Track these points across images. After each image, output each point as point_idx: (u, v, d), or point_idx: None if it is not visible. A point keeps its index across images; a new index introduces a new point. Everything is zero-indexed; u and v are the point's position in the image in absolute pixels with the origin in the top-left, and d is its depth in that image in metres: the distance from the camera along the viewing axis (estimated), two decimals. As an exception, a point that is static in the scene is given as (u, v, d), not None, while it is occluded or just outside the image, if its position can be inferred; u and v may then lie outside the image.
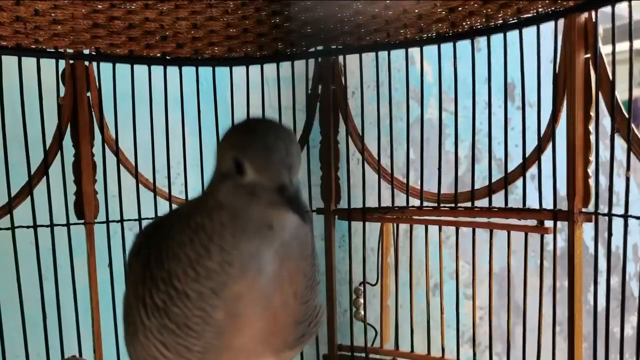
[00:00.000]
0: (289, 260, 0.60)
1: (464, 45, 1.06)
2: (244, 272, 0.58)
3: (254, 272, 0.58)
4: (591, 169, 0.95)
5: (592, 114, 0.95)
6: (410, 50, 1.12)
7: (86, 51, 1.07)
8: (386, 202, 1.16)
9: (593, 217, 0.96)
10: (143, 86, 1.10)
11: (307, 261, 0.63)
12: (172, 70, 1.12)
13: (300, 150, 0.57)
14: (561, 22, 0.95)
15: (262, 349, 0.63)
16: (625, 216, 0.90)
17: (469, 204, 1.09)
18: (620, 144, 0.92)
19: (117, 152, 1.10)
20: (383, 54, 1.13)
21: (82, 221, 1.08)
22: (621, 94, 0.91)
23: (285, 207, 0.54)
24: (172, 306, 0.60)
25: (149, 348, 0.64)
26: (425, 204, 1.13)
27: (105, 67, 1.09)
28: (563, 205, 0.98)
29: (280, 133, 0.55)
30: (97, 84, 1.09)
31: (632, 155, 0.88)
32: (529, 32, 0.99)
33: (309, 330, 0.67)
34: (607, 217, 0.92)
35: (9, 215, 1.02)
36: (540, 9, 0.97)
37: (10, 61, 1.01)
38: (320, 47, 1.16)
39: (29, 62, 1.03)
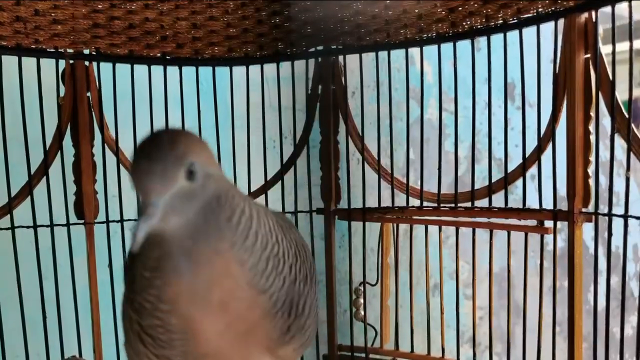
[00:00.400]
0: (206, 255, 0.60)
1: (464, 45, 1.06)
2: (166, 275, 0.60)
3: (175, 275, 0.60)
4: (591, 169, 0.95)
5: (592, 114, 0.95)
6: (410, 50, 1.12)
7: (86, 51, 1.07)
8: (386, 202, 1.16)
9: (593, 217, 0.96)
10: (143, 86, 1.10)
11: (242, 250, 0.61)
12: (172, 70, 1.12)
13: (174, 164, 0.57)
14: (561, 22, 0.95)
15: (245, 349, 0.63)
16: (625, 216, 0.89)
17: (468, 204, 1.09)
18: (620, 144, 0.92)
19: (117, 152, 1.10)
20: (383, 54, 1.13)
21: (82, 221, 1.08)
22: (621, 94, 0.91)
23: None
24: (142, 319, 0.63)
25: (139, 354, 0.66)
26: (425, 204, 1.13)
27: (105, 67, 1.09)
28: (563, 206, 0.98)
29: (149, 150, 0.58)
30: (97, 84, 1.09)
31: (632, 155, 0.88)
32: (529, 32, 0.99)
33: (294, 323, 0.65)
34: (607, 217, 0.92)
35: (9, 215, 1.02)
36: (540, 9, 0.97)
37: (10, 61, 1.01)
38: (320, 47, 1.16)
39: (29, 62, 1.03)
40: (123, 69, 1.09)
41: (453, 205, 1.10)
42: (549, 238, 1.01)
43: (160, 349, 0.63)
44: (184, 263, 0.59)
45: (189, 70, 1.13)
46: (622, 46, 0.90)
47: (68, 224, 1.07)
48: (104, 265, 1.09)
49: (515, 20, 1.00)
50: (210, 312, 0.60)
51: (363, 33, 1.12)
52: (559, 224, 1.00)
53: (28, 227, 1.03)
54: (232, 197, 0.61)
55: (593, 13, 0.92)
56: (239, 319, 0.62)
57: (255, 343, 0.64)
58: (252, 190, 1.16)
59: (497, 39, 1.03)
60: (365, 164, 1.16)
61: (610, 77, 0.91)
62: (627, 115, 0.89)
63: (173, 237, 0.58)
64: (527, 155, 1.03)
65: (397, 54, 1.13)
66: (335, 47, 1.15)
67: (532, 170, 1.02)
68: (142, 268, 0.62)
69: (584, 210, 0.97)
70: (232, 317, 0.61)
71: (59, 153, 1.06)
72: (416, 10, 1.07)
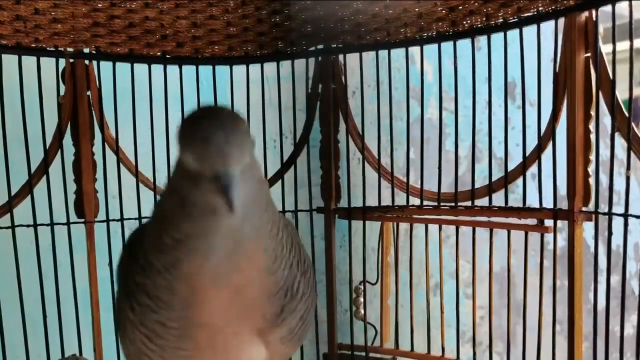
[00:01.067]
0: (244, 240, 0.61)
1: (464, 44, 1.06)
2: (193, 251, 0.60)
3: (203, 253, 0.60)
4: (591, 168, 0.95)
5: (593, 113, 0.95)
6: (410, 49, 1.12)
7: (86, 50, 1.07)
8: (386, 201, 1.16)
9: (593, 216, 0.96)
10: (143, 85, 1.10)
11: (268, 236, 0.63)
12: (172, 69, 1.12)
13: (246, 137, 0.57)
14: (561, 21, 0.95)
15: (238, 325, 0.64)
16: (626, 215, 0.89)
17: (469, 203, 1.09)
18: (620, 143, 0.92)
19: (117, 151, 1.10)
20: (383, 53, 1.13)
21: (82, 220, 1.08)
22: (621, 93, 0.91)
23: (217, 195, 0.55)
24: (145, 279, 0.64)
25: (136, 341, 0.66)
26: (425, 203, 1.13)
27: (106, 66, 1.09)
28: (563, 205, 0.98)
29: (222, 121, 0.57)
30: (97, 83, 1.09)
31: (632, 154, 0.88)
32: (529, 31, 0.99)
33: (287, 305, 0.66)
34: (607, 216, 0.92)
35: (9, 214, 1.02)
36: (540, 8, 0.97)
37: (10, 60, 1.01)
38: (320, 46, 1.16)
39: (29, 61, 1.03)
40: (123, 67, 1.09)
41: (453, 204, 1.10)
42: (549, 237, 1.01)
43: (159, 313, 0.63)
44: (223, 243, 0.60)
45: (189, 69, 1.13)
46: (623, 45, 0.90)
47: (68, 223, 1.07)
48: (104, 264, 1.09)
49: (516, 19, 1.00)
50: (223, 288, 0.61)
51: (363, 32, 1.12)
52: (559, 223, 1.00)
53: (28, 226, 1.03)
54: (263, 182, 0.63)
55: (593, 12, 0.92)
56: (243, 295, 0.63)
57: (251, 321, 0.65)
58: (252, 189, 1.16)
59: (497, 38, 1.03)
60: (366, 163, 1.16)
61: (611, 76, 0.91)
62: (627, 114, 0.89)
63: (227, 215, 0.57)
64: (527, 155, 1.03)
65: (398, 53, 1.13)
66: (335, 46, 1.15)
67: (533, 169, 1.02)
68: (163, 233, 0.61)
69: (584, 209, 0.97)
70: (237, 293, 0.62)
71: (59, 152, 1.06)
72: (416, 9, 1.07)
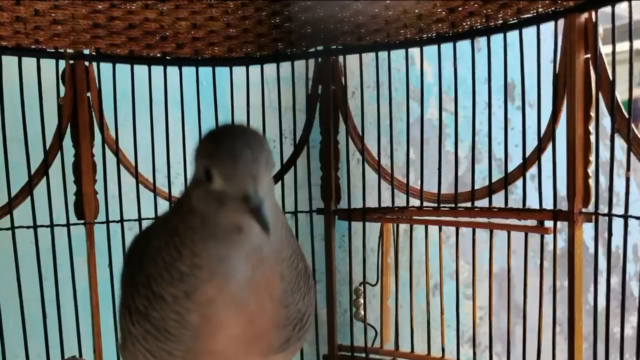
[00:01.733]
0: (263, 265, 0.59)
1: (464, 45, 1.06)
2: (213, 276, 0.58)
3: (225, 277, 0.58)
4: (591, 169, 0.95)
5: (592, 114, 0.95)
6: (410, 50, 1.12)
7: (86, 51, 1.07)
8: (386, 202, 1.16)
9: (593, 217, 0.96)
10: (143, 86, 1.10)
11: (285, 264, 0.62)
12: (172, 70, 1.12)
13: (270, 156, 0.56)
14: (561, 22, 0.95)
15: (244, 354, 0.63)
16: (625, 216, 0.90)
17: (469, 204, 1.09)
18: (620, 144, 0.92)
19: (117, 152, 1.10)
20: (383, 54, 1.13)
21: (82, 221, 1.08)
22: (621, 94, 0.91)
23: (248, 216, 0.54)
24: (151, 310, 0.61)
25: (136, 355, 0.65)
26: (425, 204, 1.13)
27: (105, 67, 1.09)
28: (563, 206, 0.98)
29: (248, 140, 0.55)
30: (97, 84, 1.09)
31: (632, 155, 0.88)
32: (529, 32, 0.99)
33: (294, 335, 0.66)
34: (607, 217, 0.92)
35: (9, 216, 1.02)
36: (540, 9, 0.97)
37: (10, 61, 1.01)
38: (320, 47, 1.16)
39: (29, 62, 1.03)
40: (123, 69, 1.09)
41: (453, 205, 1.10)
42: (549, 238, 1.01)
43: (165, 343, 0.62)
44: (241, 267, 0.58)
45: (189, 71, 1.13)
46: (622, 46, 0.90)
47: (68, 224, 1.07)
48: (104, 266, 1.09)
49: (515, 21, 1.00)
50: (237, 320, 0.60)
51: (363, 33, 1.12)
52: (559, 224, 1.00)
53: (28, 227, 1.03)
54: (278, 207, 0.61)
55: (593, 13, 0.92)
56: (256, 327, 0.62)
57: (258, 349, 0.64)
58: (252, 190, 1.16)
59: (497, 39, 1.03)
60: (365, 164, 1.16)
61: (610, 77, 0.91)
62: (627, 115, 0.89)
63: (246, 238, 0.57)
64: (527, 155, 1.03)
65: (397, 54, 1.13)
66: (335, 47, 1.15)
67: (532, 170, 1.02)
68: (175, 261, 0.60)
69: (584, 210, 0.97)
70: (251, 325, 0.61)
71: (59, 153, 1.06)
72: (416, 11, 1.07)
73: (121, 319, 0.67)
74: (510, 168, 1.05)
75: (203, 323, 0.60)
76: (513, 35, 1.01)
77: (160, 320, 0.61)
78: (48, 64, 1.05)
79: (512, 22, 1.00)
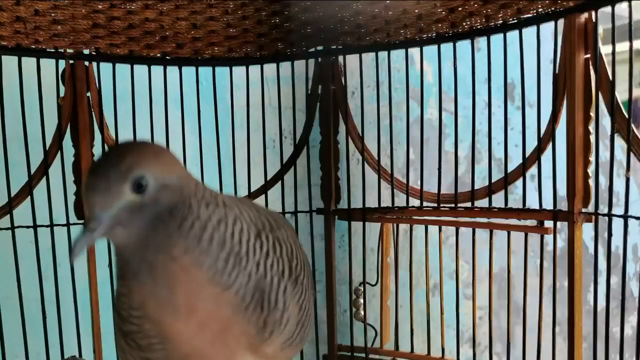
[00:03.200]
0: (167, 263, 0.61)
1: (463, 45, 1.06)
2: (134, 281, 0.62)
3: (136, 282, 0.62)
4: (591, 169, 0.95)
5: (592, 114, 0.95)
6: (410, 50, 1.12)
7: (86, 51, 1.07)
8: (386, 202, 1.16)
9: (593, 217, 0.96)
10: (143, 86, 1.10)
11: (198, 250, 0.62)
12: (172, 70, 1.12)
13: (118, 181, 0.59)
14: (561, 22, 0.95)
15: (225, 348, 0.64)
16: (625, 216, 0.90)
17: (468, 204, 1.09)
18: (620, 144, 0.92)
19: (117, 152, 1.10)
20: (383, 54, 1.13)
21: (82, 221, 1.08)
22: (621, 94, 0.91)
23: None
24: (123, 325, 0.66)
25: (126, 354, 0.68)
26: (425, 204, 1.13)
27: (105, 67, 1.09)
28: (563, 206, 0.98)
29: (97, 165, 0.60)
30: (97, 84, 1.09)
31: (632, 155, 0.88)
32: (529, 32, 0.99)
33: (270, 316, 0.65)
34: (607, 217, 0.92)
35: (9, 215, 1.02)
36: (540, 9, 0.97)
37: (10, 61, 1.01)
38: (320, 47, 1.16)
39: (29, 62, 1.03)
40: (123, 69, 1.09)
41: (453, 205, 1.10)
42: (548, 238, 1.01)
43: (142, 352, 0.65)
44: (142, 271, 0.61)
45: (188, 70, 1.13)
46: (622, 46, 0.90)
47: (68, 224, 1.07)
48: (103, 265, 1.09)
49: (515, 21, 1.00)
50: (179, 315, 0.62)
51: (363, 33, 1.12)
52: (558, 224, 1.00)
53: (28, 227, 1.03)
54: (188, 206, 0.62)
55: (593, 13, 0.92)
56: (209, 317, 0.63)
57: (234, 340, 0.64)
58: (252, 190, 1.16)
59: (497, 39, 1.03)
60: (365, 164, 1.16)
61: (610, 77, 0.91)
62: (627, 116, 0.89)
63: (125, 248, 0.61)
64: (527, 155, 1.03)
65: (397, 54, 1.13)
66: (335, 47, 1.15)
67: (532, 170, 1.02)
68: (117, 278, 0.65)
69: (583, 210, 0.97)
70: (203, 316, 0.62)
71: (59, 153, 1.06)
72: (416, 11, 1.07)
73: (113, 321, 0.70)
74: (510, 168, 1.05)
75: (157, 328, 0.62)
76: (513, 35, 1.01)
77: (129, 333, 0.65)
78: (48, 64, 1.05)
79: (512, 22, 1.00)
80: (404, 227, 1.21)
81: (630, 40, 0.88)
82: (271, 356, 0.68)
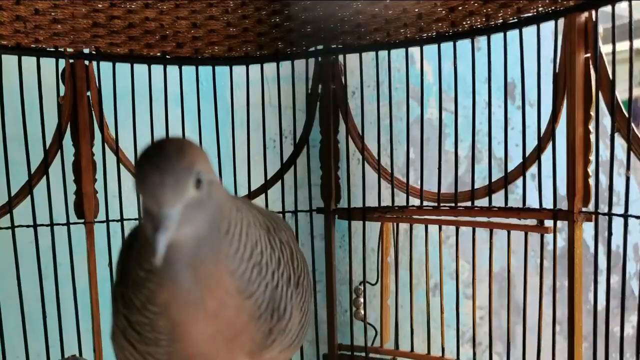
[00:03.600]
0: (206, 265, 0.61)
1: (464, 44, 1.06)
2: (164, 281, 0.61)
3: (172, 281, 0.60)
4: (591, 169, 0.95)
5: (592, 113, 0.95)
6: (410, 49, 1.12)
7: (86, 50, 1.08)
8: (386, 201, 1.16)
9: (593, 216, 0.96)
10: (143, 85, 1.10)
11: (231, 259, 0.63)
12: (172, 70, 1.12)
13: (185, 175, 0.57)
14: (561, 21, 0.95)
15: (227, 351, 0.64)
16: (626, 215, 0.90)
17: (469, 204, 1.09)
18: (620, 143, 0.92)
19: (117, 151, 1.10)
20: (383, 54, 1.13)
21: (82, 220, 1.08)
22: (621, 94, 0.91)
23: (151, 233, 0.56)
24: (130, 315, 0.64)
25: (124, 351, 0.67)
26: (425, 203, 1.13)
27: (105, 67, 1.09)
28: (563, 205, 0.98)
29: (158, 162, 0.57)
30: (97, 83, 1.09)
31: (632, 154, 0.88)
32: (529, 31, 0.99)
33: (275, 326, 0.66)
34: (607, 217, 0.92)
35: (9, 215, 1.02)
36: (540, 9, 0.97)
37: (10, 60, 1.01)
38: (320, 47, 1.16)
39: (29, 61, 1.03)
40: (123, 68, 1.09)
41: (453, 204, 1.10)
42: (549, 237, 1.01)
43: (145, 346, 0.64)
44: (183, 270, 0.60)
45: (188, 70, 1.13)
46: (622, 45, 0.90)
47: (68, 223, 1.07)
48: (104, 265, 1.09)
49: (515, 20, 1.00)
50: (201, 319, 0.61)
51: (363, 32, 1.12)
52: (559, 223, 1.00)
53: (28, 226, 1.03)
54: (229, 209, 0.63)
55: (593, 12, 0.92)
56: (227, 324, 0.63)
57: (240, 346, 0.65)
58: (252, 189, 1.16)
59: (497, 38, 1.03)
60: (365, 163, 1.16)
61: (610, 77, 0.91)
62: (627, 115, 0.89)
63: (180, 245, 0.59)
64: (527, 155, 1.03)
65: (397, 54, 1.13)
66: (335, 46, 1.15)
67: (532, 170, 1.02)
68: (138, 266, 0.63)
69: (584, 209, 0.97)
70: (221, 323, 0.62)
71: (59, 152, 1.06)
72: (416, 10, 1.07)
73: (112, 311, 0.69)
74: (510, 167, 1.05)
75: (170, 326, 0.62)
76: (513, 34, 1.01)
77: (137, 324, 0.64)
78: (48, 63, 1.05)
79: (512, 21, 1.00)
80: (404, 226, 1.21)
81: (631, 40, 0.88)
82: (274, 357, 0.68)
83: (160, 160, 0.57)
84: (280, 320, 0.67)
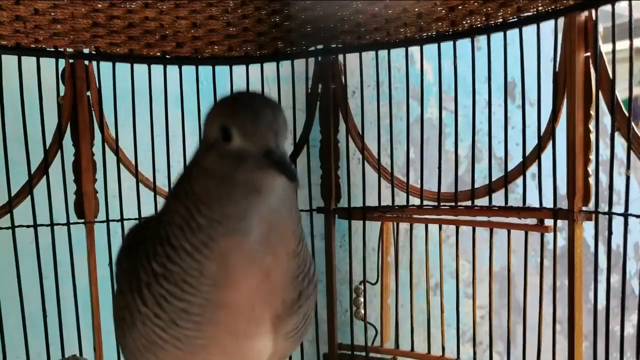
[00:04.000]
0: (279, 222, 0.61)
1: (464, 44, 1.06)
2: (229, 231, 0.60)
3: (241, 234, 0.60)
4: (591, 168, 0.95)
5: (592, 112, 0.95)
6: (410, 49, 1.12)
7: (86, 50, 1.07)
8: (386, 201, 1.16)
9: (593, 215, 0.96)
10: (143, 85, 1.10)
11: (294, 221, 0.64)
12: (172, 69, 1.12)
13: (286, 122, 0.59)
14: (561, 20, 0.95)
15: (260, 310, 0.64)
16: (626, 215, 0.89)
17: (469, 203, 1.09)
18: (620, 142, 0.92)
19: (117, 151, 1.10)
20: (383, 53, 1.13)
21: (82, 220, 1.09)
22: (621, 93, 0.91)
23: (273, 170, 0.56)
24: (170, 264, 0.62)
25: (147, 333, 0.65)
26: (425, 203, 1.13)
27: (105, 66, 1.09)
28: (563, 204, 0.98)
29: (266, 100, 0.58)
30: (97, 83, 1.09)
31: (632, 153, 0.88)
32: (529, 30, 0.99)
33: (305, 289, 0.67)
34: (607, 216, 0.92)
35: (9, 215, 1.02)
36: (540, 8, 0.97)
37: (10, 60, 1.01)
38: (320, 46, 1.16)
39: (29, 62, 1.03)
40: (123, 68, 1.09)
41: (453, 204, 1.10)
42: (549, 237, 1.01)
43: (181, 298, 0.62)
44: (261, 219, 0.60)
45: (188, 69, 1.13)
46: (622, 45, 0.90)
47: (68, 223, 1.07)
48: (104, 264, 1.09)
49: (515, 19, 1.00)
50: (255, 270, 0.61)
51: (363, 32, 1.12)
52: (559, 222, 1.00)
53: (28, 226, 1.03)
54: None
55: (593, 11, 0.92)
56: (272, 279, 0.63)
57: (272, 306, 0.65)
58: (252, 189, 1.16)
59: (497, 37, 1.03)
60: (366, 163, 1.16)
61: (611, 76, 0.91)
62: (627, 114, 0.89)
63: (267, 196, 0.58)
64: (527, 154, 1.03)
65: (397, 53, 1.13)
66: (335, 46, 1.15)
67: (533, 169, 1.02)
68: (197, 213, 0.61)
69: (584, 208, 0.97)
70: (268, 278, 0.62)
71: (59, 152, 1.06)
72: (416, 9, 1.07)
73: (125, 307, 0.67)
74: (511, 167, 1.05)
75: (221, 272, 0.61)
76: (513, 33, 1.01)
77: (180, 272, 0.62)
78: (48, 63, 1.05)
79: (512, 20, 1.00)
80: (404, 226, 1.21)
81: (631, 39, 0.88)
82: (277, 344, 0.68)
83: (267, 100, 0.58)
84: (309, 284, 0.67)
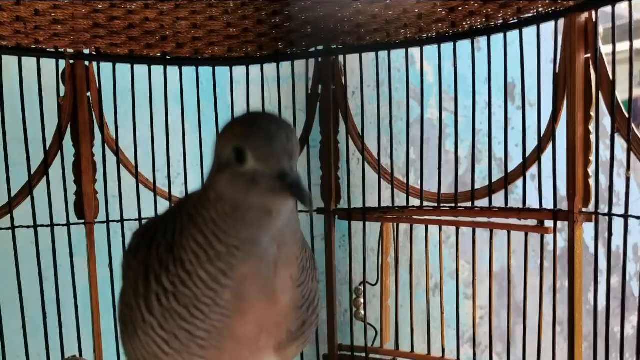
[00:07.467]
0: (285, 245, 0.61)
1: (464, 45, 1.06)
2: (248, 256, 0.60)
3: (258, 257, 0.60)
4: (591, 169, 0.95)
5: (592, 113, 0.95)
6: (410, 50, 1.12)
7: (86, 51, 1.08)
8: (386, 202, 1.16)
9: (593, 216, 0.96)
10: (143, 86, 1.10)
11: (298, 245, 0.65)
12: (172, 70, 1.12)
13: (298, 144, 0.59)
14: (561, 22, 0.95)
15: (265, 340, 0.64)
16: (626, 216, 0.90)
17: (469, 204, 1.09)
18: (620, 143, 0.92)
19: (117, 151, 1.10)
20: (383, 54, 1.13)
21: (83, 221, 1.08)
22: (621, 94, 0.91)
23: (287, 193, 0.56)
24: (182, 287, 0.62)
25: (149, 345, 0.64)
26: (425, 203, 1.13)
27: (106, 67, 1.09)
28: (563, 205, 0.98)
29: (281, 123, 0.58)
30: (97, 84, 1.09)
31: (632, 155, 0.88)
32: (529, 31, 0.99)
33: (308, 317, 0.67)
34: (607, 217, 0.92)
35: (9, 215, 1.02)
36: (540, 9, 0.97)
37: (10, 61, 1.01)
38: (320, 47, 1.16)
39: (29, 62, 1.03)
40: (123, 68, 1.09)
41: (453, 205, 1.10)
42: (549, 238, 1.01)
43: (189, 322, 0.62)
44: (269, 247, 0.60)
45: (189, 70, 1.13)
46: (622, 46, 0.90)
47: (68, 224, 1.07)
48: (104, 265, 1.09)
49: (516, 20, 1.00)
50: (264, 300, 0.61)
51: (363, 33, 1.12)
52: (559, 223, 1.00)
53: (28, 227, 1.03)
54: None
55: (593, 13, 0.92)
56: (279, 309, 0.63)
57: (276, 335, 0.65)
58: (252, 190, 1.16)
59: (497, 38, 1.03)
60: (366, 163, 1.16)
61: (611, 77, 0.91)
62: (627, 115, 0.89)
63: (275, 219, 0.59)
64: (527, 155, 1.03)
65: (397, 54, 1.13)
66: (335, 46, 1.15)
67: (533, 170, 1.02)
68: (217, 241, 0.60)
69: (584, 210, 0.97)
70: (275, 307, 0.63)
71: (59, 153, 1.06)
72: (416, 10, 1.07)
73: (130, 311, 0.66)
74: (511, 168, 1.05)
75: (235, 301, 0.61)
76: (513, 34, 1.01)
77: (192, 298, 0.61)
78: (48, 64, 1.05)
79: (512, 21, 1.00)
80: (404, 226, 1.21)
81: (631, 40, 0.88)
82: (281, 356, 0.68)
83: (280, 122, 0.58)
84: (312, 314, 0.68)
